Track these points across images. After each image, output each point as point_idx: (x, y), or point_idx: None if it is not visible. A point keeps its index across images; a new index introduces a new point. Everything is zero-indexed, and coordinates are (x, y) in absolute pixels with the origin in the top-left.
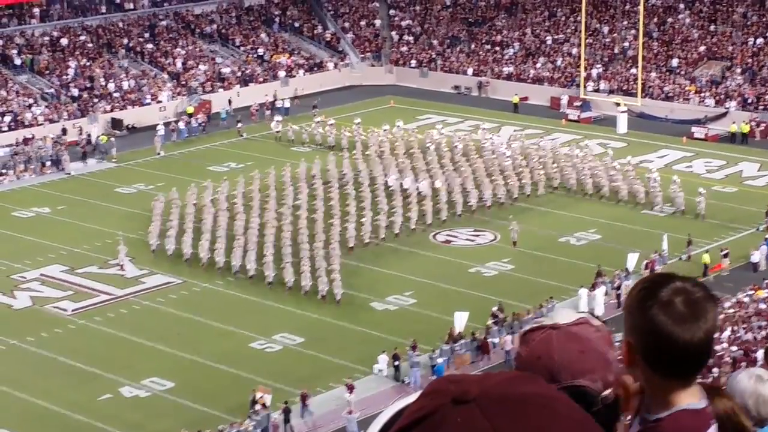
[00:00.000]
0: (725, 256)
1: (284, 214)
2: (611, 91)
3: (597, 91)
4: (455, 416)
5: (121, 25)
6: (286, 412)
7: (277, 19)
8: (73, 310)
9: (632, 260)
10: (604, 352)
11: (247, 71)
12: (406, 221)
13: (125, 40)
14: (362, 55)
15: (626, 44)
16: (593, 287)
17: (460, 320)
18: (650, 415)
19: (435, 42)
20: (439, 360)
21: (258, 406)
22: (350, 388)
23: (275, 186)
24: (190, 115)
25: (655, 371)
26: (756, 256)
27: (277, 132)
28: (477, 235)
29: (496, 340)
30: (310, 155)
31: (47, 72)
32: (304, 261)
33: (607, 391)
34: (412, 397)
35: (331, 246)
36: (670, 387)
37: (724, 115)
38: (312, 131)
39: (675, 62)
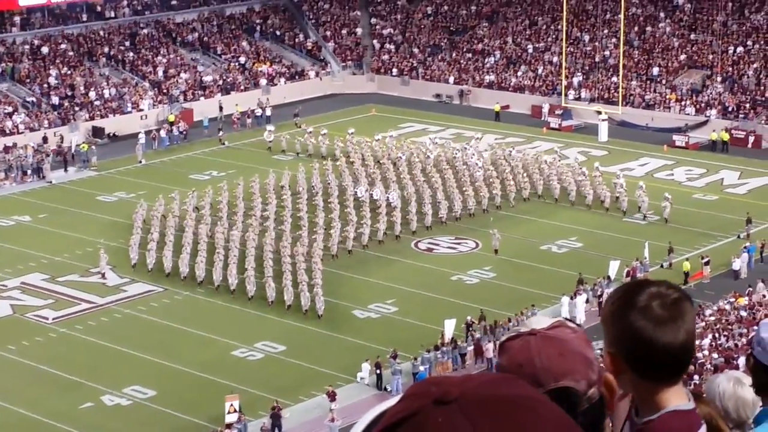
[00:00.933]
0: (706, 263)
1: (252, 225)
2: (592, 100)
3: (578, 99)
4: (436, 417)
5: (102, 33)
6: (275, 417)
7: (258, 28)
8: (54, 319)
9: (614, 268)
10: (582, 351)
11: (229, 80)
12: (375, 233)
13: (106, 49)
14: (343, 64)
15: (607, 53)
16: (574, 295)
17: (450, 328)
18: (639, 419)
19: (416, 50)
20: (421, 368)
21: (232, 416)
22: (332, 396)
23: (243, 197)
24: (172, 124)
25: (642, 377)
26: (737, 264)
27: (270, 142)
28: (459, 243)
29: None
30: (293, 164)
31: (28, 80)
32: (285, 275)
33: (592, 390)
34: (394, 399)
35: (312, 260)
36: (658, 390)
37: (704, 123)
38: (304, 141)
39: (655, 71)
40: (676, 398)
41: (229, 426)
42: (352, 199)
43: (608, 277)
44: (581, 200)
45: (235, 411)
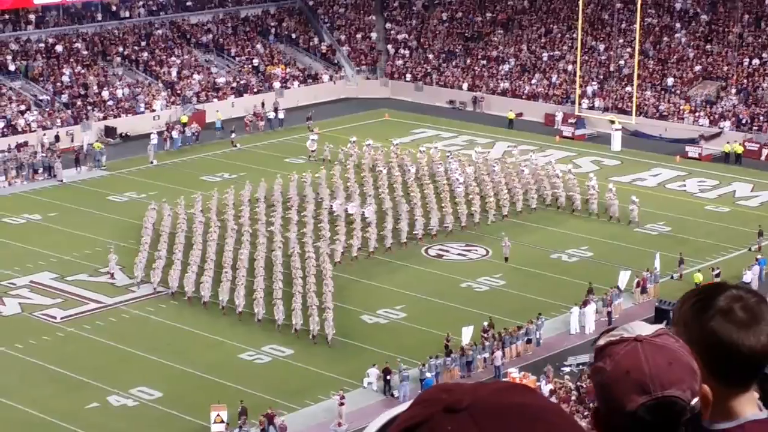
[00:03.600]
0: (717, 275)
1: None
2: (606, 109)
3: (592, 108)
4: (447, 425)
5: (116, 33)
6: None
7: (273, 30)
8: (62, 318)
9: (624, 278)
10: (689, 362)
11: (242, 82)
12: (349, 248)
13: (120, 48)
14: (358, 68)
15: (622, 62)
16: (584, 304)
17: (467, 335)
18: (711, 424)
19: (431, 56)
20: (428, 374)
21: (218, 426)
22: (341, 399)
23: (217, 208)
24: (184, 125)
25: (719, 381)
26: (748, 276)
27: (313, 151)
28: (469, 250)
29: (486, 356)
30: (305, 167)
31: (41, 78)
32: (295, 297)
33: (695, 400)
34: (405, 406)
35: (324, 282)
36: (733, 396)
37: (718, 134)
38: (348, 151)
39: (670, 81)
40: (750, 406)
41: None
42: (327, 213)
43: (618, 288)
44: (555, 204)
45: (222, 421)
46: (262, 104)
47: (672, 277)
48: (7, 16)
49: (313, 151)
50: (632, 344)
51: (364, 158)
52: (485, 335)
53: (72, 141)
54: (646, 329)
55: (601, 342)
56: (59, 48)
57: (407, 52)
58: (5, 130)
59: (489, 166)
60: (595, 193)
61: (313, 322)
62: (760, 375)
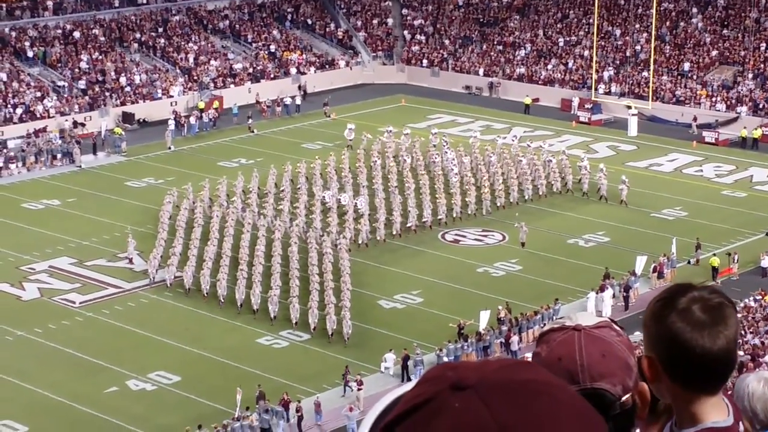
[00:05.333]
0: (735, 261)
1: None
2: (622, 94)
3: (608, 93)
4: (453, 402)
5: (133, 19)
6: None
7: (289, 16)
8: (80, 303)
9: (640, 263)
10: (624, 357)
11: (259, 68)
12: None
13: (138, 35)
14: (374, 54)
15: (638, 47)
16: (601, 289)
17: (484, 319)
18: (678, 429)
19: (447, 42)
20: (445, 359)
21: (238, 410)
22: (359, 384)
23: (211, 198)
24: (201, 111)
25: (678, 383)
26: (766, 261)
27: (350, 140)
28: (485, 235)
29: (502, 340)
30: (321, 153)
31: (59, 65)
32: (312, 294)
33: (626, 396)
34: (410, 384)
35: (342, 279)
36: (695, 400)
37: (735, 119)
38: (385, 140)
39: (687, 66)
40: (715, 412)
41: (258, 412)
42: (320, 204)
43: (634, 272)
44: (551, 191)
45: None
46: (299, 87)
47: (689, 262)
48: (25, 3)
49: (350, 140)
50: (570, 333)
51: (401, 147)
52: (501, 320)
53: (84, 127)
54: (589, 320)
55: (546, 328)
56: (77, 34)
57: (423, 37)
58: (24, 116)
59: (486, 156)
60: (587, 174)
61: (330, 320)
62: (721, 381)
